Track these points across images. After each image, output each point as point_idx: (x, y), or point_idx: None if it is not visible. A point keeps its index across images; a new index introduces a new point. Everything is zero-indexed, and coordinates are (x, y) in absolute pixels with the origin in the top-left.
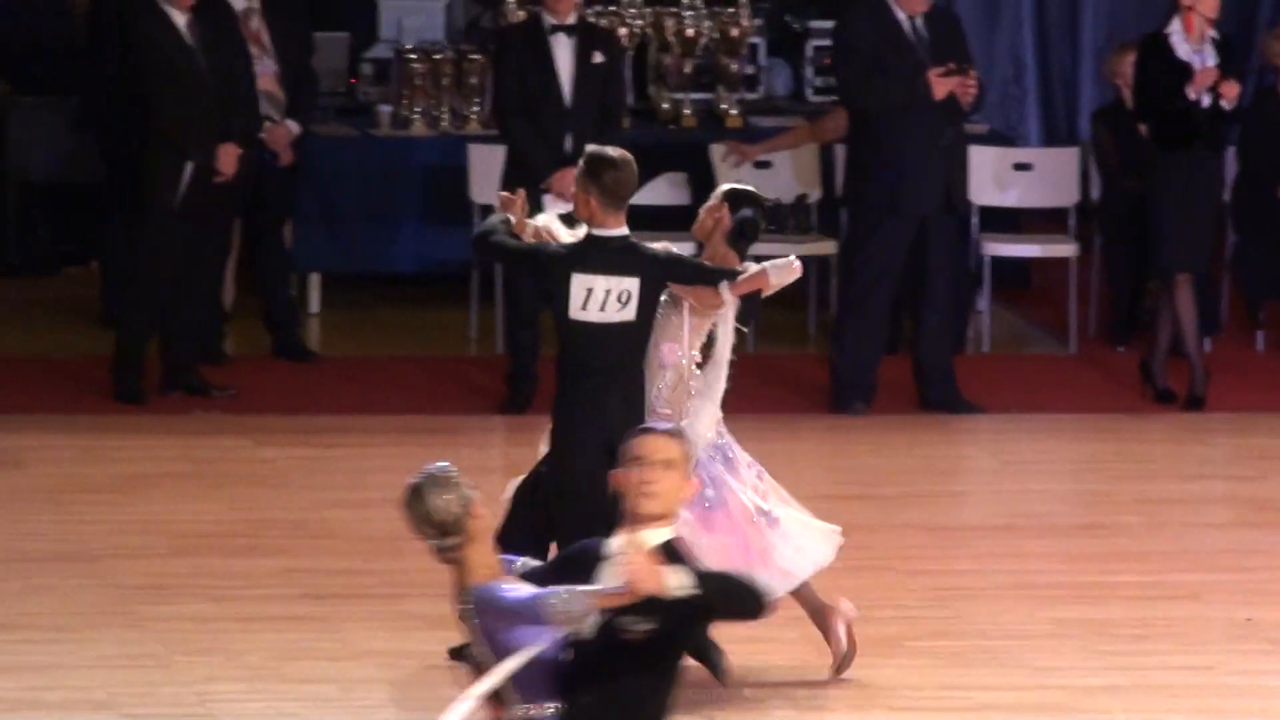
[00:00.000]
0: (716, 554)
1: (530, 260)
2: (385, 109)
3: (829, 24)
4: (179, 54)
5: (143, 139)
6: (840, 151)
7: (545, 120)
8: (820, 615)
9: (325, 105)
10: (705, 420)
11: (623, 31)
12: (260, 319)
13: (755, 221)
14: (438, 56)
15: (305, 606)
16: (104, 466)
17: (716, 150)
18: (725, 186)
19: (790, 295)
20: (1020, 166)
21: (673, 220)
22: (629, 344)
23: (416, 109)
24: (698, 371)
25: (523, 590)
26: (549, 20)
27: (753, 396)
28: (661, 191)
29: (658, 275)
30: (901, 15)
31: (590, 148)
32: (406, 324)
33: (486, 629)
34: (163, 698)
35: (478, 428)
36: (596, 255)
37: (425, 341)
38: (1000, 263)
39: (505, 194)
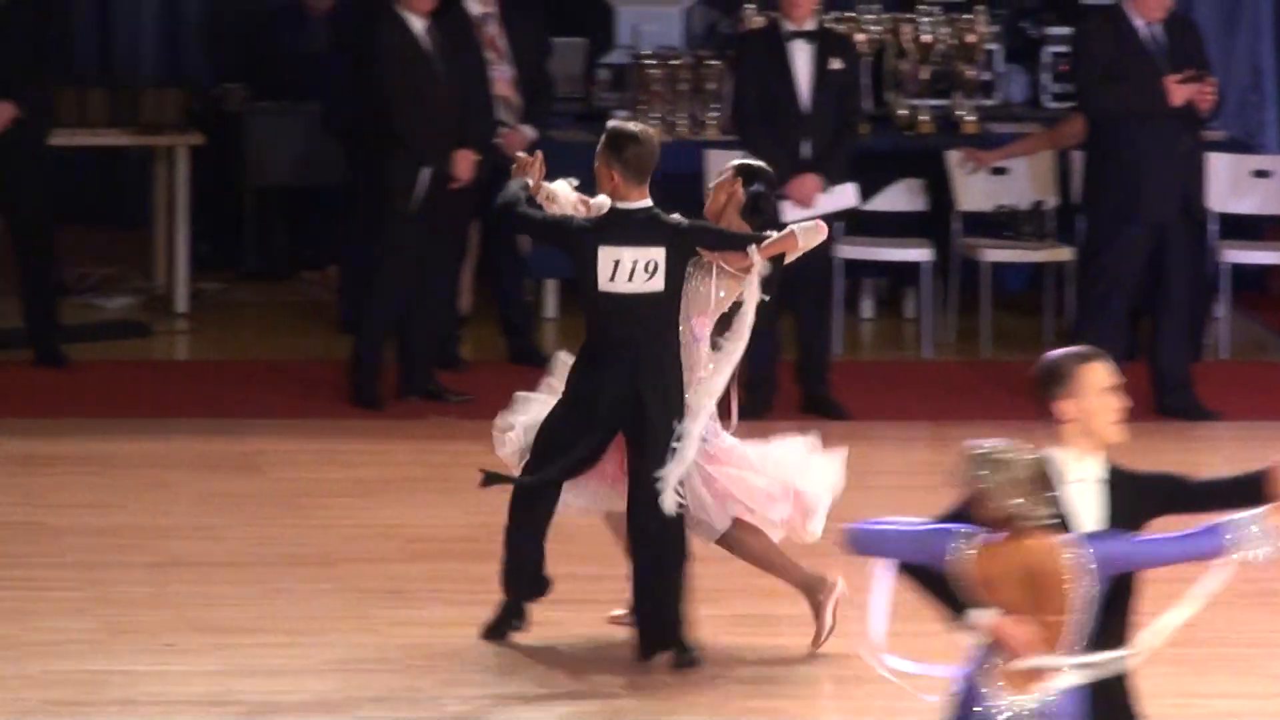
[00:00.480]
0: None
1: (557, 232)
2: (621, 114)
3: (1065, 30)
4: (417, 60)
5: (380, 145)
6: (1077, 158)
7: (783, 126)
8: (811, 590)
9: (561, 111)
10: (720, 380)
11: (860, 38)
12: (496, 324)
13: (768, 196)
14: (675, 62)
15: (540, 611)
16: (341, 471)
17: (953, 156)
18: (736, 161)
19: (1026, 301)
20: (1259, 173)
21: (910, 226)
22: (659, 314)
23: (653, 115)
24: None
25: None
26: (787, 26)
27: (989, 401)
28: (899, 198)
29: (684, 243)
30: (1139, 22)
31: (611, 123)
32: None
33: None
34: (399, 702)
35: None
36: (622, 227)
37: None
38: (1238, 270)
39: (523, 155)
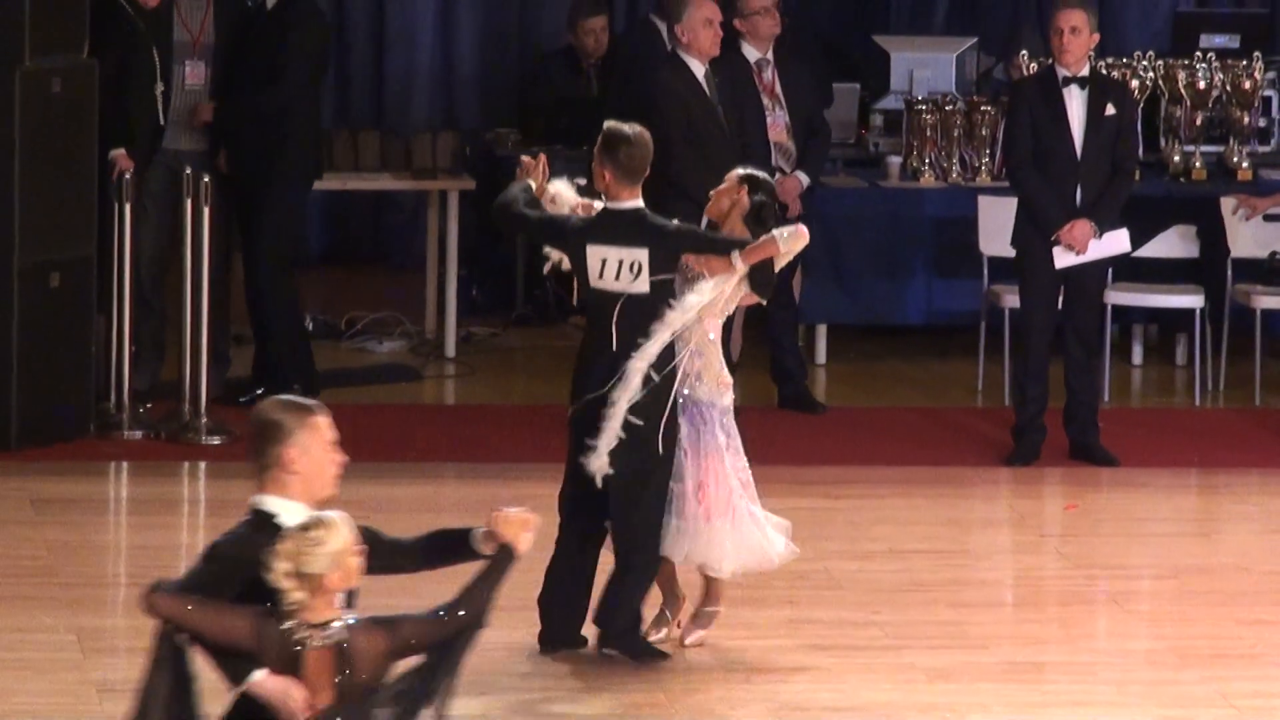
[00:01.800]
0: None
1: (549, 230)
2: (895, 160)
3: None
4: (698, 104)
5: (659, 189)
6: None
7: (1056, 172)
8: (669, 594)
9: (835, 156)
10: (654, 347)
11: (1133, 84)
12: (767, 370)
13: (771, 205)
14: (949, 108)
15: (809, 657)
16: None
17: (1226, 203)
18: (740, 170)
19: None
20: None
21: (1182, 272)
22: (644, 314)
23: (926, 160)
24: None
25: None
26: (1061, 72)
27: (1260, 449)
28: (1171, 244)
29: (668, 246)
30: None
31: (607, 123)
32: (913, 375)
33: None
34: None
35: (984, 480)
36: (609, 227)
37: (932, 393)
38: None
39: (526, 158)
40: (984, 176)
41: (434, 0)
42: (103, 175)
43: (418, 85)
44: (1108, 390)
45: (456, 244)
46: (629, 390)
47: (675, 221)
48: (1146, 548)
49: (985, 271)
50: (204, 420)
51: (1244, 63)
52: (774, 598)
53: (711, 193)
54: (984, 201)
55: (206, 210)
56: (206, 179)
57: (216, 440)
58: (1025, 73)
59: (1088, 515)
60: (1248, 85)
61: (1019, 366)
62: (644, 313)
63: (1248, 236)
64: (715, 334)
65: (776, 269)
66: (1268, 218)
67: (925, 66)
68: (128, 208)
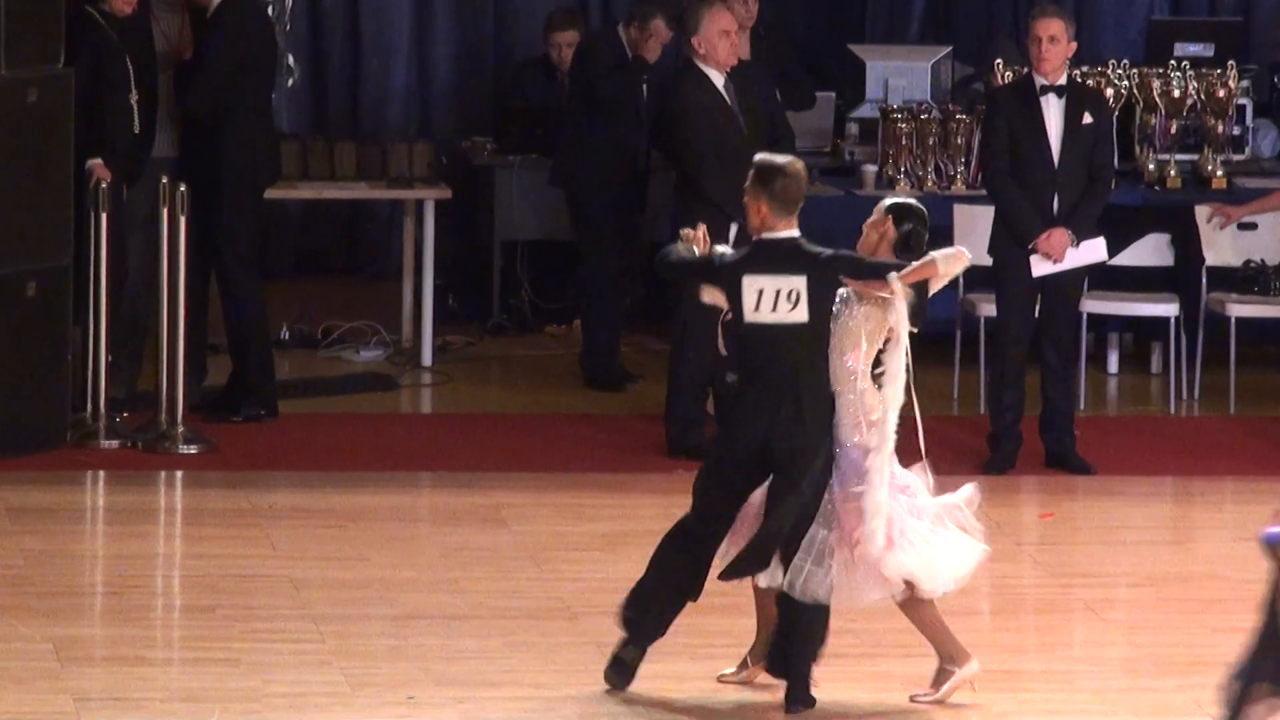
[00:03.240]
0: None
1: (705, 269)
2: (870, 168)
3: None
4: (719, 114)
5: (686, 200)
6: None
7: (1033, 181)
8: (945, 648)
9: (810, 165)
10: (890, 424)
11: (1108, 92)
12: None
13: (920, 233)
14: (924, 116)
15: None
16: (584, 524)
17: (1201, 211)
18: (887, 201)
19: (1274, 357)
20: None
21: (1157, 281)
22: (804, 346)
23: (902, 169)
24: (875, 388)
25: None
26: (1038, 81)
27: (1235, 457)
28: (1146, 252)
29: (826, 271)
30: None
31: (759, 156)
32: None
33: None
34: None
35: (959, 488)
36: (765, 256)
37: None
38: None
39: (686, 230)
40: (959, 185)
41: (410, 10)
42: (79, 185)
43: (394, 95)
44: (1083, 398)
45: (433, 253)
46: (883, 475)
47: (826, 248)
48: (1122, 556)
49: (960, 280)
50: (180, 429)
51: (1218, 71)
52: (750, 607)
53: (864, 226)
54: (960, 210)
55: (183, 219)
56: (183, 188)
57: (193, 450)
58: (1001, 81)
59: (1064, 523)
60: (1222, 93)
61: (995, 374)
62: (803, 344)
63: (1222, 245)
64: (855, 367)
65: (934, 290)
66: (1242, 226)
67: (901, 75)
68: (104, 217)
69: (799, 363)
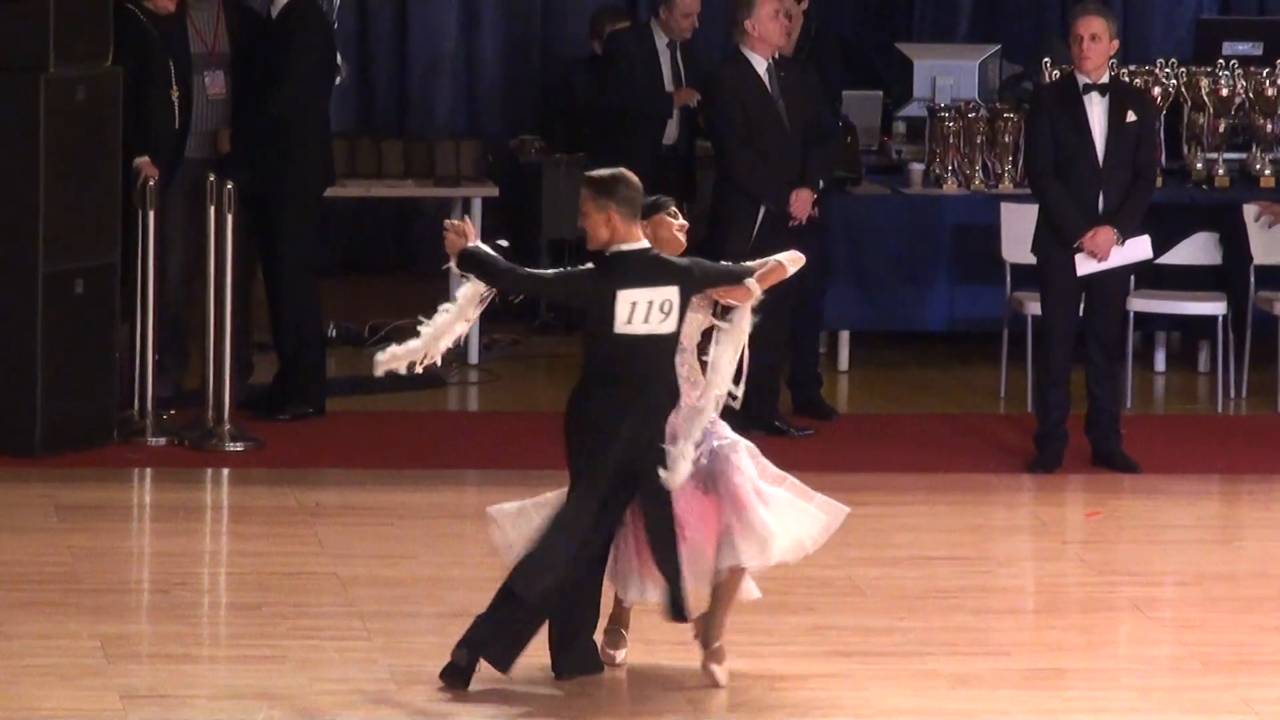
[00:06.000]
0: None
1: (564, 285)
2: (917, 167)
3: None
4: (755, 102)
5: (720, 184)
6: None
7: (1078, 179)
8: (711, 629)
9: (861, 162)
10: (707, 410)
11: (1155, 91)
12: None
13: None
14: (971, 115)
15: (832, 664)
16: None
17: (1249, 210)
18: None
19: None
20: None
21: (1205, 279)
22: (665, 354)
23: (949, 167)
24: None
25: None
26: (1081, 79)
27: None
28: (1193, 251)
29: (694, 282)
30: None
31: (589, 174)
32: (936, 382)
33: None
34: None
35: (1006, 487)
36: (632, 270)
37: (954, 400)
38: None
39: (451, 222)
40: (1006, 184)
41: (457, 7)
42: (126, 182)
43: (441, 93)
44: (1130, 397)
45: None
46: (689, 444)
47: (681, 258)
48: (1168, 554)
49: (1008, 278)
50: (227, 427)
51: (1267, 70)
52: (795, 604)
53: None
54: (1006, 208)
55: (230, 217)
56: (230, 186)
57: (239, 447)
58: (1049, 80)
59: (1110, 522)
60: (1270, 92)
61: (1041, 373)
62: (665, 352)
63: (1270, 243)
64: (681, 372)
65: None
66: None
67: (948, 74)
68: (151, 215)
69: (658, 370)
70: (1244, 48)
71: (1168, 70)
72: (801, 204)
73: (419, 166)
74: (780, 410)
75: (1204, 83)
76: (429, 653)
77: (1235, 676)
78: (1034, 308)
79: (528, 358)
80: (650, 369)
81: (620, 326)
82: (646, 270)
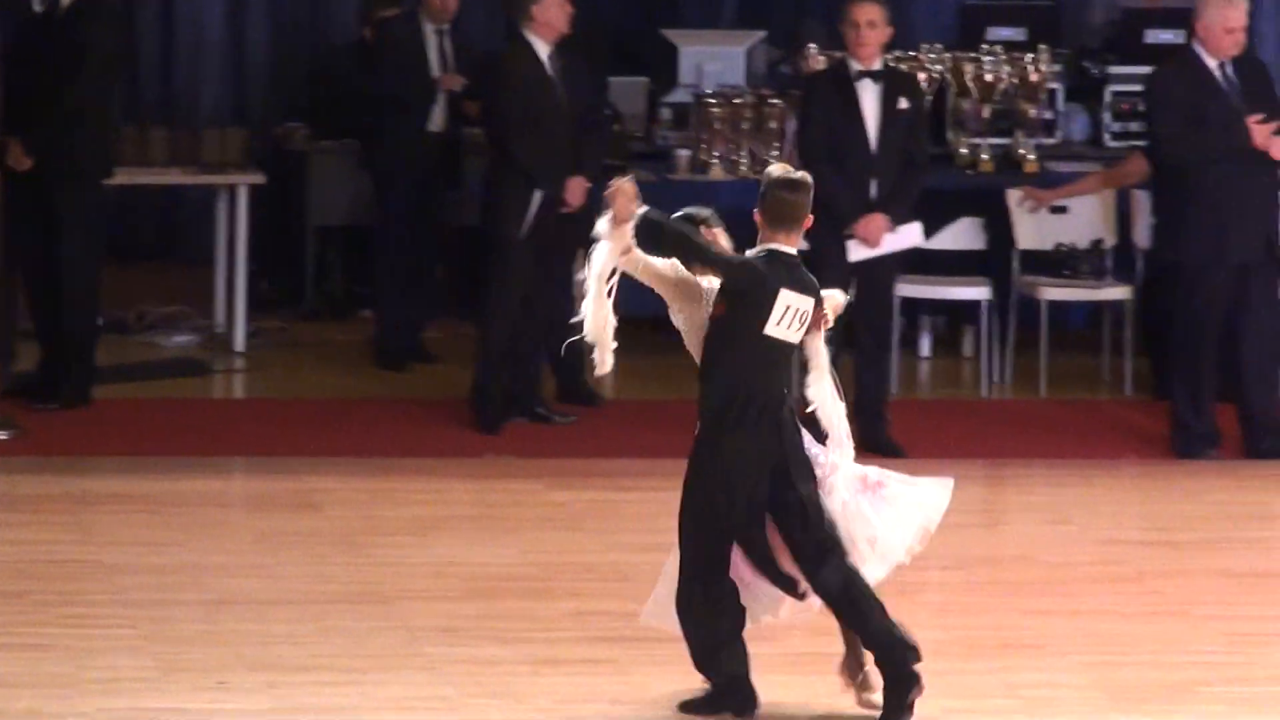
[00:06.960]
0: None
1: (745, 268)
2: (684, 153)
3: (1127, 70)
4: (536, 84)
5: (495, 169)
6: (1137, 197)
7: (850, 166)
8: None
9: (624, 149)
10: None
11: (922, 77)
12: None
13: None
14: (737, 101)
15: (597, 649)
16: (397, 509)
17: (1013, 195)
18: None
19: (1084, 340)
20: None
21: (969, 264)
22: (788, 361)
23: (715, 153)
24: None
25: None
26: (854, 66)
27: (1045, 440)
28: (958, 236)
29: (820, 300)
30: (1212, 62)
31: (775, 170)
32: (693, 367)
33: None
34: None
35: None
36: (789, 273)
37: None
38: None
39: (619, 181)
40: None
41: None
42: None
43: (206, 79)
44: (895, 382)
45: (246, 238)
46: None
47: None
48: (933, 539)
49: None
50: None
51: (1030, 55)
52: (560, 590)
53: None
54: None
55: None
56: None
57: (3, 435)
58: (811, 66)
59: None
60: (1034, 78)
61: None
62: (788, 361)
63: (1034, 229)
64: None
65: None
66: (1053, 210)
67: (714, 60)
68: None
69: (787, 383)
70: (1007, 33)
71: (932, 55)
72: (576, 191)
73: (185, 154)
74: (544, 396)
75: (969, 68)
76: (194, 640)
77: (999, 660)
78: None
79: (294, 344)
80: (784, 380)
81: (770, 327)
82: (798, 276)
